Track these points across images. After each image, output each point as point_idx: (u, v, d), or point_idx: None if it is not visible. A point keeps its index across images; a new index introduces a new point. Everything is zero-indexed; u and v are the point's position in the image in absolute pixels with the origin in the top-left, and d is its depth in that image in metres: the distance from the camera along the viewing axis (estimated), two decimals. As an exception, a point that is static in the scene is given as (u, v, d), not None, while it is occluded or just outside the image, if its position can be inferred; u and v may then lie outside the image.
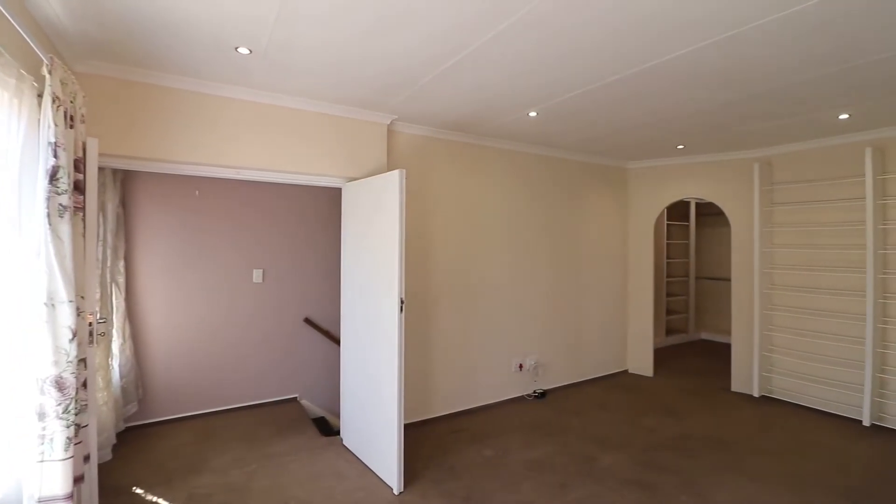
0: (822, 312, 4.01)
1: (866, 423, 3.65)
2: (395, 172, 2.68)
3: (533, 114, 3.31)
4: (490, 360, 4.11)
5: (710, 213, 6.88)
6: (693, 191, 4.84)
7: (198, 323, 3.79)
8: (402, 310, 2.64)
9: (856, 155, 3.77)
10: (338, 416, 3.70)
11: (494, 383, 4.14)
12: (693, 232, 7.00)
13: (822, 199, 4.03)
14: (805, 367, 4.11)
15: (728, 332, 4.96)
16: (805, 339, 4.11)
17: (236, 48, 2.28)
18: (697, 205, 6.97)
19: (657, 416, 3.85)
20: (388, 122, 3.41)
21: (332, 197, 4.28)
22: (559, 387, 4.61)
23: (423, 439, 3.37)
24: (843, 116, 3.31)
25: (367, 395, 2.97)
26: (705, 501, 2.58)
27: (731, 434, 3.50)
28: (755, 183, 4.31)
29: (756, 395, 4.35)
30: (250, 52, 2.31)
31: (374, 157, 3.34)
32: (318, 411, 4.16)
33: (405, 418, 3.53)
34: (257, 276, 4.02)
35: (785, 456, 3.14)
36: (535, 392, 4.36)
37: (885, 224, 3.65)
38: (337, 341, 4.06)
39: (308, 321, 4.20)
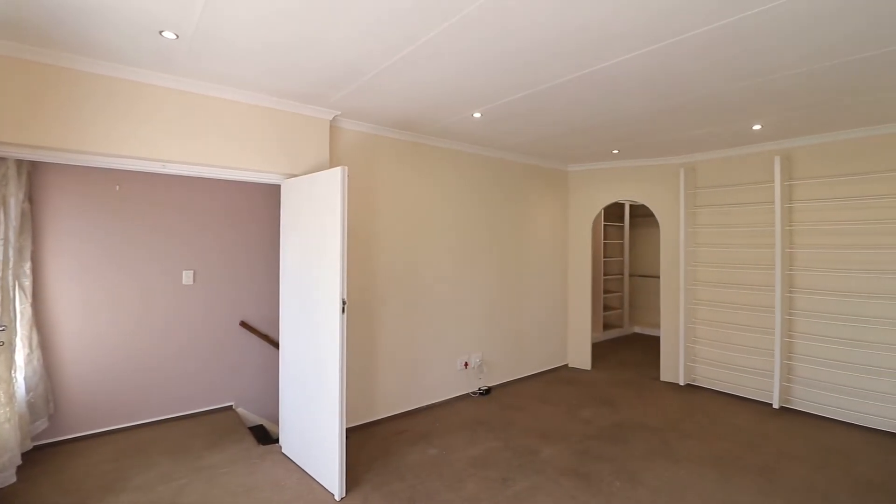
0: (738, 306, 4.38)
1: (776, 405, 4.03)
2: (337, 169, 2.61)
3: (477, 115, 3.35)
4: (436, 359, 4.12)
5: (642, 215, 7.32)
6: (627, 193, 5.12)
7: (120, 329, 3.49)
8: (344, 311, 2.58)
9: (767, 162, 4.16)
10: (277, 423, 3.55)
11: (440, 382, 4.16)
12: (627, 232, 7.41)
13: (738, 202, 4.40)
14: (723, 357, 4.48)
15: (658, 326, 5.30)
16: (723, 330, 4.48)
17: (161, 32, 2.12)
18: (631, 206, 7.38)
19: (594, 408, 4.04)
20: (331, 118, 3.32)
21: (271, 194, 4.10)
22: (503, 383, 4.71)
23: (366, 442, 3.31)
24: (757, 127, 3.63)
25: (308, 399, 2.87)
26: (637, 485, 2.73)
27: (659, 421, 3.73)
28: (681, 187, 4.64)
29: (682, 383, 4.67)
30: (177, 36, 2.16)
31: (315, 154, 3.23)
32: (255, 419, 3.97)
33: (348, 421, 3.46)
34: (187, 277, 3.76)
35: (706, 439, 3.39)
36: (480, 389, 4.42)
37: (790, 226, 4.05)
38: (276, 345, 3.90)
39: (244, 324, 3.99)
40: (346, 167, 2.64)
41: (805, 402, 3.94)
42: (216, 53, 2.34)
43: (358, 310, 3.55)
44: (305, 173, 3.13)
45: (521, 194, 4.91)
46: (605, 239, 6.91)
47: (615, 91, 2.82)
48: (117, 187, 3.49)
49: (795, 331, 4.02)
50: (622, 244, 7.40)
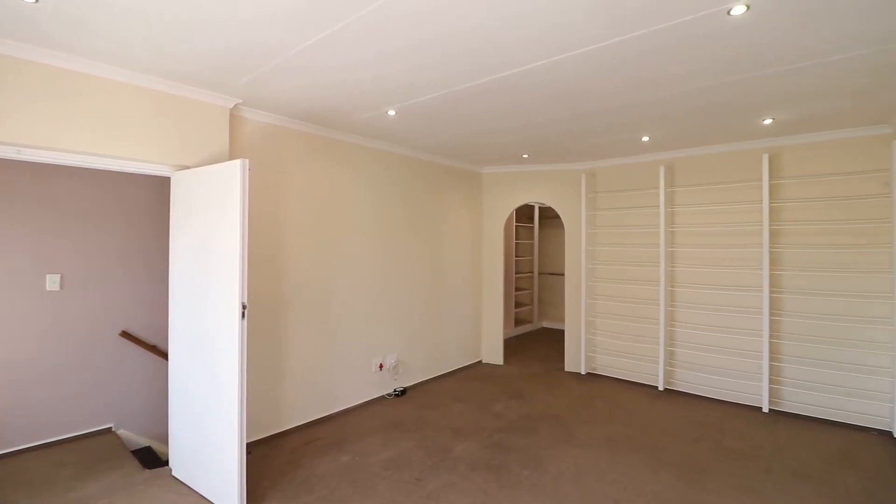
0: (631, 300, 4.82)
1: (660, 388, 4.50)
2: (237, 162, 2.41)
3: (392, 112, 3.29)
4: (349, 362, 3.99)
5: (550, 217, 7.77)
6: (536, 195, 5.39)
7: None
8: (244, 316, 2.38)
9: (654, 170, 4.62)
10: (167, 443, 3.20)
11: (354, 386, 4.04)
12: (537, 232, 7.82)
13: (631, 205, 4.84)
14: (618, 346, 4.90)
15: (563, 321, 5.65)
16: (618, 322, 4.90)
17: (11, -8, 1.79)
18: (540, 208, 7.80)
19: (505, 401, 4.19)
20: (231, 106, 3.05)
21: (159, 187, 3.68)
22: (419, 382, 4.71)
23: (272, 455, 3.11)
24: (645, 139, 4.01)
25: (203, 414, 2.61)
26: (542, 473, 2.87)
27: (563, 409, 3.98)
28: (582, 191, 4.99)
29: (583, 372, 5.03)
30: (35, 0, 1.83)
31: (212, 144, 2.95)
32: (140, 441, 3.54)
33: (250, 435, 3.23)
34: (52, 282, 3.23)
35: (603, 423, 3.68)
36: (395, 390, 4.37)
37: (673, 227, 4.54)
38: (165, 356, 3.51)
39: (126, 334, 3.53)
40: (248, 160, 2.44)
41: (684, 383, 4.45)
42: (90, 24, 2.03)
43: (262, 314, 3.32)
44: (200, 165, 2.84)
45: (437, 194, 4.94)
46: (516, 239, 7.22)
47: (521, 98, 2.94)
48: (-45, 175, 2.91)
49: (677, 320, 4.52)
50: (532, 244, 7.79)
